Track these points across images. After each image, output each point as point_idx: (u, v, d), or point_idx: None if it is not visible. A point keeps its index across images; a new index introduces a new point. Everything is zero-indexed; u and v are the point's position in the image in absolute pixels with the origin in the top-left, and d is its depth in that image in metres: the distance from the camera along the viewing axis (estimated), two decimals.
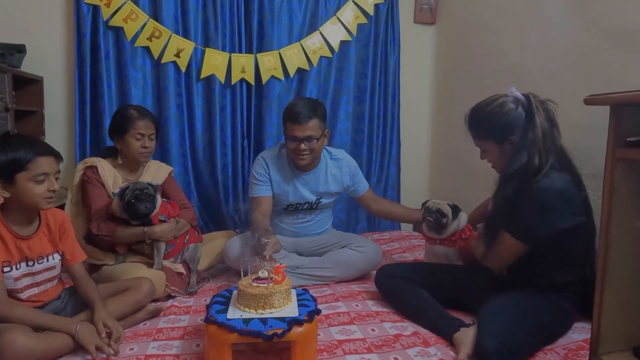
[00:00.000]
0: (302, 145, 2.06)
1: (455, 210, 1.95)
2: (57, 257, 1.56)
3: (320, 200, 2.27)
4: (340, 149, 2.42)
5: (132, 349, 1.48)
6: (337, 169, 2.27)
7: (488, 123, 1.56)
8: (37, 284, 1.51)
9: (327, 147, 2.29)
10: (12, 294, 1.44)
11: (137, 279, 1.72)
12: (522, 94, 1.56)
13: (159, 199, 1.98)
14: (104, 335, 1.44)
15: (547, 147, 1.48)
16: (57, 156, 1.47)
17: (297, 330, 1.30)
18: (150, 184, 1.94)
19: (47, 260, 1.53)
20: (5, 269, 1.41)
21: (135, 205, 1.87)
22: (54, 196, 1.46)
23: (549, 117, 1.52)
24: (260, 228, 2.02)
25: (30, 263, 1.48)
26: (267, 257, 1.54)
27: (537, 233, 1.48)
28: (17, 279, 1.44)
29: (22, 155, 1.39)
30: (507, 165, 1.52)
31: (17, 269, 1.44)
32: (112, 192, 1.93)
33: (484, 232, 1.70)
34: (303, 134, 2.04)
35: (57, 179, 1.46)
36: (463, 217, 1.99)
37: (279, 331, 1.27)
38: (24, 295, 1.48)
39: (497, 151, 1.58)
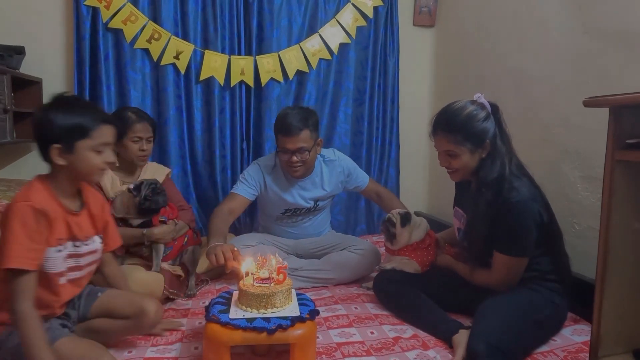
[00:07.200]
0: (294, 158, 2.05)
1: (405, 218, 1.87)
2: (98, 240, 1.42)
3: (318, 204, 2.27)
4: (332, 149, 2.41)
5: (130, 352, 1.47)
6: (332, 171, 2.27)
7: (467, 127, 1.56)
8: (79, 268, 1.37)
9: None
10: (51, 279, 1.28)
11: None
12: (488, 102, 1.61)
13: None
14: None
15: (511, 153, 1.60)
16: (117, 127, 1.36)
17: (299, 328, 1.30)
18: (156, 180, 1.97)
19: (93, 242, 1.39)
20: (58, 249, 1.28)
21: (154, 199, 1.88)
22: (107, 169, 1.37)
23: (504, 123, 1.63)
24: (214, 229, 1.95)
25: (78, 244, 1.34)
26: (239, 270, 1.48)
27: (530, 242, 1.54)
28: (64, 259, 1.30)
29: (87, 121, 1.28)
30: (486, 174, 1.57)
31: (64, 248, 1.30)
32: (127, 188, 1.92)
33: (465, 247, 1.71)
34: (294, 146, 2.02)
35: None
36: (421, 227, 1.90)
37: (284, 325, 1.28)
38: (64, 279, 1.32)
39: (469, 157, 1.59)
